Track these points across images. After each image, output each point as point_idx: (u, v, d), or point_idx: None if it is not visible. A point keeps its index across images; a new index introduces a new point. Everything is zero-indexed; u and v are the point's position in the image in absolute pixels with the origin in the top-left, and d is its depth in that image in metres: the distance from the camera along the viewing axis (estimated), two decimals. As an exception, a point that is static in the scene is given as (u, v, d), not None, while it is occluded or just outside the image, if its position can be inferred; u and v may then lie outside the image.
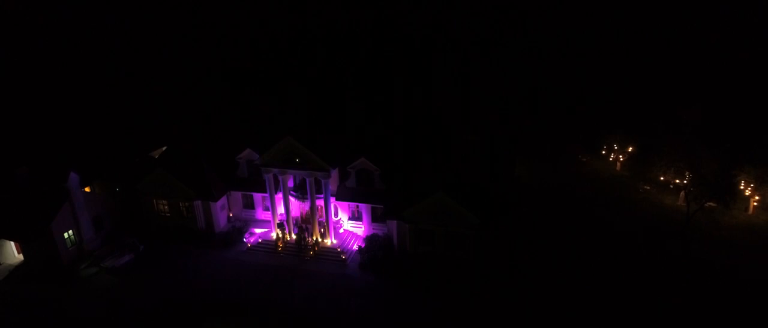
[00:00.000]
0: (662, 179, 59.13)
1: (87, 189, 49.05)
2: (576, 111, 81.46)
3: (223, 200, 48.94)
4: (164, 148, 59.56)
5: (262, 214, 50.14)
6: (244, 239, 46.53)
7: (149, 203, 48.77)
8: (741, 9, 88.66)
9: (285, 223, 46.06)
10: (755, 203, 53.61)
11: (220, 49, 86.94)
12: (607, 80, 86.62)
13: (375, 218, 46.56)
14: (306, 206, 47.53)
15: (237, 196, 50.18)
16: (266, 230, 48.15)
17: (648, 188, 60.17)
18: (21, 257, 44.34)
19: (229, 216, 50.10)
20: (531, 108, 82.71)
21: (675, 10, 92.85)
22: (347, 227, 47.90)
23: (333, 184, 45.48)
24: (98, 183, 51.08)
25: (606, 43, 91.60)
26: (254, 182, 48.61)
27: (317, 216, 45.47)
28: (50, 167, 46.11)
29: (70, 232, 43.68)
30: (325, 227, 45.41)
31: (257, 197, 49.64)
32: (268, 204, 48.58)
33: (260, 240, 46.38)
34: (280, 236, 45.91)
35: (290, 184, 46.65)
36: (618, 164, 68.95)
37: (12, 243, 44.11)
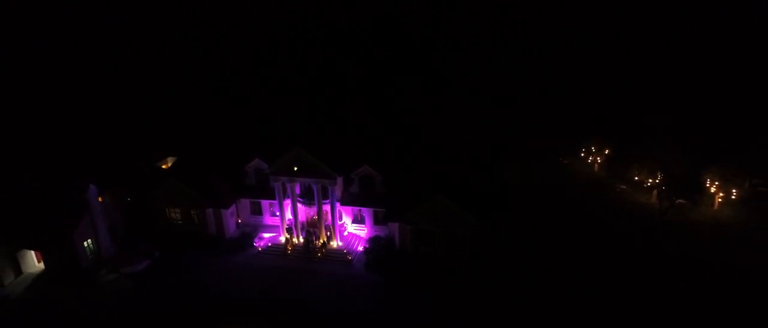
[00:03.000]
0: (636, 178, 64.25)
1: (99, 199, 51.19)
2: (559, 115, 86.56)
3: (232, 207, 51.74)
4: (170, 158, 61.93)
5: (269, 219, 53.13)
6: (254, 244, 49.46)
7: (161, 211, 51.26)
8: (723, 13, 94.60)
9: (293, 227, 49.20)
10: (720, 200, 58.92)
11: (221, 49, 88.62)
12: (590, 84, 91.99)
13: (377, 220, 50.03)
14: (312, 211, 50.67)
15: (245, 203, 53.08)
16: (274, 234, 51.13)
17: (625, 187, 65.09)
18: (41, 265, 46.43)
19: (237, 222, 52.95)
20: (519, 111, 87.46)
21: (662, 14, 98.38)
22: (351, 229, 51.29)
23: (338, 189, 48.76)
24: (109, 193, 53.19)
25: (590, 48, 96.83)
26: (262, 190, 51.60)
27: (323, 220, 48.76)
28: (67, 178, 48.18)
29: (90, 241, 45.96)
30: (332, 230, 48.71)
31: (265, 203, 52.60)
32: (276, 210, 51.86)
33: (270, 244, 49.35)
34: (289, 239, 49.01)
35: (297, 190, 49.72)
36: (596, 165, 73.95)
37: (32, 252, 46.20)
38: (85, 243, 45.47)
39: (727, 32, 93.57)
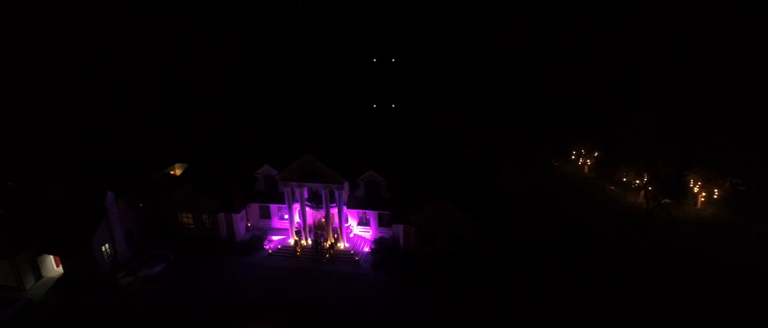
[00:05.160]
0: (625, 179, 67.55)
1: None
2: (549, 120, 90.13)
3: (242, 212, 53.90)
4: (178, 165, 63.93)
5: (277, 223, 55.35)
6: (265, 246, 51.70)
7: (175, 216, 53.25)
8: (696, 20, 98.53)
9: (302, 230, 51.56)
10: (702, 198, 62.43)
11: (223, 53, 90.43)
12: (577, 90, 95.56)
13: (382, 222, 52.62)
14: (319, 214, 53.05)
15: (254, 207, 55.29)
16: (283, 237, 53.39)
17: (613, 188, 68.38)
18: (60, 269, 48.19)
19: (247, 226, 55.10)
20: (510, 117, 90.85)
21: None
22: (357, 231, 53.77)
23: (344, 194, 51.19)
24: (122, 199, 55.04)
25: (580, 51, 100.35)
26: (271, 194, 53.88)
27: (331, 223, 51.19)
28: (85, 185, 50.05)
29: (107, 245, 47.85)
30: (339, 232, 51.14)
31: (273, 207, 54.85)
32: (284, 214, 54.23)
33: (279, 246, 51.61)
34: (298, 241, 51.33)
35: (305, 195, 52.05)
36: (586, 167, 77.29)
37: (51, 257, 47.96)
38: (103, 248, 47.35)
39: (713, 35, 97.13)
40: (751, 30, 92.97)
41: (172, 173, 62.80)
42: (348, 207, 52.04)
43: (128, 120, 76.34)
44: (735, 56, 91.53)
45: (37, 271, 46.75)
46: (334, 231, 51.53)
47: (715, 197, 62.89)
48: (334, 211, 50.95)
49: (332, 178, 48.21)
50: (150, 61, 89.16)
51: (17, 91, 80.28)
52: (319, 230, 52.93)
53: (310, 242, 51.55)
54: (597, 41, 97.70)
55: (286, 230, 53.63)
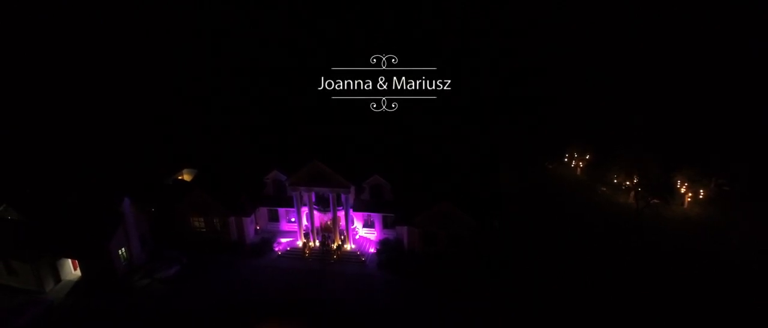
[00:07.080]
0: (616, 181, 70.54)
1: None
2: (543, 124, 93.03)
3: (251, 215, 55.99)
4: (186, 170, 65.77)
5: (285, 226, 57.53)
6: (274, 248, 53.91)
7: (186, 220, 55.21)
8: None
9: (310, 232, 53.81)
10: (689, 199, 65.56)
11: (226, 56, 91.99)
12: (576, 91, 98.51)
13: (386, 224, 54.99)
14: (326, 217, 55.31)
15: (263, 211, 57.40)
16: (291, 239, 55.61)
17: (605, 189, 71.36)
18: (77, 272, 50.03)
19: (256, 229, 57.21)
20: (506, 122, 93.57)
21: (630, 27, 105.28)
22: (362, 233, 56.13)
23: (350, 197, 53.43)
24: (136, 204, 56.82)
25: (575, 55, 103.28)
26: (279, 198, 56.03)
27: (337, 225, 53.48)
28: (101, 191, 51.90)
29: (123, 249, 49.76)
30: (345, 234, 53.48)
31: (281, 211, 57.00)
32: (291, 217, 56.43)
33: (288, 248, 53.85)
34: (306, 243, 53.59)
35: (312, 198, 54.23)
36: (578, 169, 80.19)
37: (69, 260, 49.77)
38: (120, 251, 49.26)
39: (712, 35, 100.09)
40: (751, 31, 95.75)
41: (180, 178, 64.64)
42: (354, 210, 54.35)
43: (135, 125, 77.88)
44: (735, 57, 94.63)
45: (56, 274, 48.56)
46: (341, 233, 53.84)
47: (701, 197, 66.01)
48: (341, 214, 53.23)
49: (339, 182, 50.50)
50: (151, 62, 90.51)
51: (20, 93, 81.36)
52: (326, 233, 55.21)
53: (317, 243, 53.85)
54: (596, 42, 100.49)
55: (294, 232, 55.83)
